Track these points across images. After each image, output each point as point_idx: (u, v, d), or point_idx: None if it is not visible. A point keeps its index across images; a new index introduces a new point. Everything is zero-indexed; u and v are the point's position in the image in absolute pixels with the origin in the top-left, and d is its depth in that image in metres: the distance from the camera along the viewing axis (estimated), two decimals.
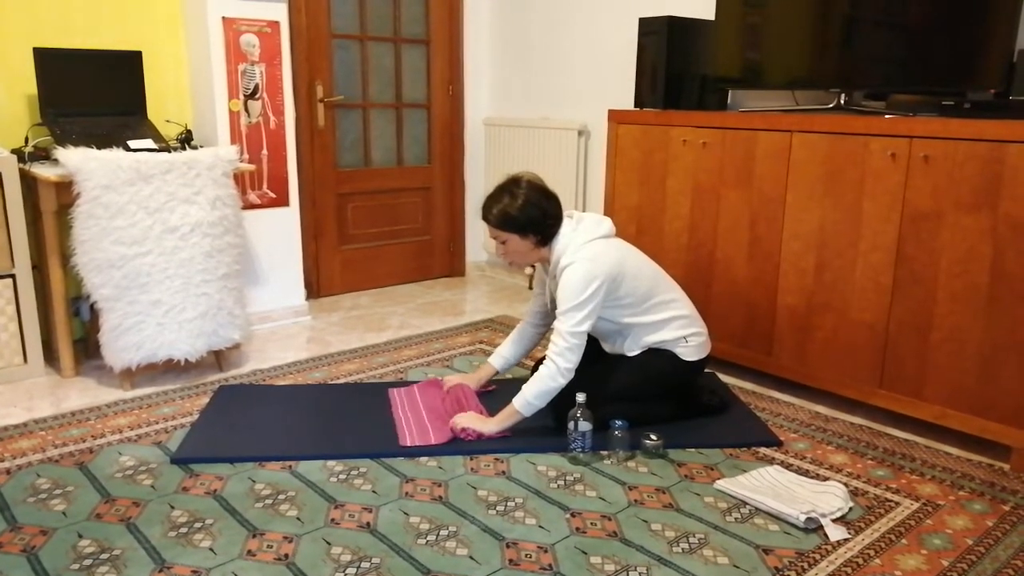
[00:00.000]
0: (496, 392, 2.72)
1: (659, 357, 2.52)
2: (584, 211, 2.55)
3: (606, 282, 2.37)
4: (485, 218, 2.49)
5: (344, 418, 2.58)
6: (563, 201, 2.52)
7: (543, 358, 2.75)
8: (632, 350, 2.53)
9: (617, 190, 3.29)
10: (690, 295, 2.64)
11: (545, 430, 2.45)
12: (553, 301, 2.47)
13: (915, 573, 1.81)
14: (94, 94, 3.13)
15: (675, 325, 2.51)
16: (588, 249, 2.40)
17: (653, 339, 2.50)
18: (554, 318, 2.41)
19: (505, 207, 2.43)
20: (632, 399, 2.49)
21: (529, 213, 2.42)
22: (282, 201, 3.58)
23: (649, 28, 3.17)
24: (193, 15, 3.35)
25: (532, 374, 2.69)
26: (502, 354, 2.76)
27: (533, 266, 2.64)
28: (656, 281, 2.53)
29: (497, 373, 2.77)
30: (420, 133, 4.48)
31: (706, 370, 3.00)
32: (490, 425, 2.41)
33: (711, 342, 2.63)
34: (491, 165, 4.50)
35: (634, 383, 2.51)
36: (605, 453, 2.34)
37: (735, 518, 2.03)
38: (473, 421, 2.43)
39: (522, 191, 2.44)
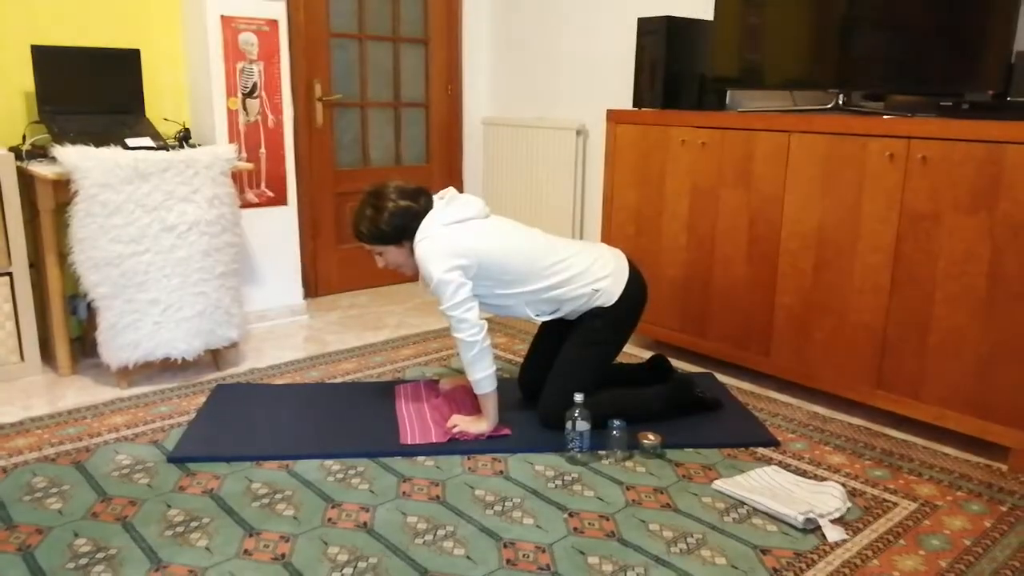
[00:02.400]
0: None
1: (591, 317, 2.48)
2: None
3: (463, 259, 2.31)
4: (357, 236, 2.44)
5: (342, 417, 2.57)
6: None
7: (528, 366, 2.73)
8: (546, 311, 2.49)
9: (615, 190, 3.29)
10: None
11: (543, 430, 2.46)
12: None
13: (913, 574, 1.81)
14: (92, 92, 3.12)
15: (577, 283, 2.45)
16: (441, 231, 2.35)
17: (559, 294, 2.44)
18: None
19: (371, 221, 2.38)
20: (603, 370, 2.50)
21: (397, 223, 2.37)
22: (280, 200, 3.57)
23: (648, 28, 3.17)
24: (191, 13, 3.34)
25: (519, 381, 2.69)
26: None
27: None
28: (536, 250, 2.45)
29: None
30: (418, 133, 4.47)
31: (703, 370, 3.00)
32: (482, 424, 2.41)
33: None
34: (489, 165, 4.50)
35: (588, 351, 2.49)
36: (603, 453, 2.33)
37: (733, 518, 2.03)
38: (468, 424, 2.42)
39: (387, 202, 2.38)
